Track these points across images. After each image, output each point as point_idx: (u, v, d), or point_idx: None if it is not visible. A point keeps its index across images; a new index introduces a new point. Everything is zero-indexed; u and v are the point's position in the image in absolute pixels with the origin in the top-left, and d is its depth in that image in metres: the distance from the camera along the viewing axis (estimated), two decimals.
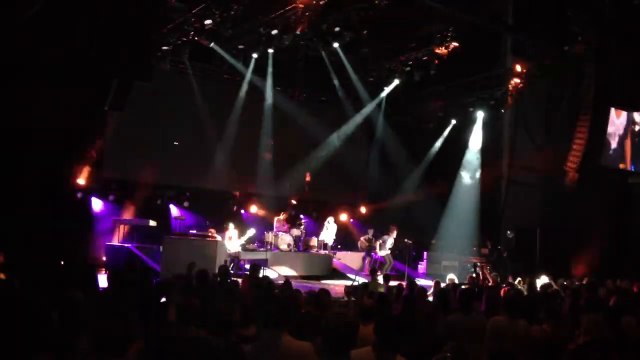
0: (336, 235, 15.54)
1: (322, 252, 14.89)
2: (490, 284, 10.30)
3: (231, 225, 12.61)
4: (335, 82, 15.77)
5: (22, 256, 8.15)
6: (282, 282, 7.56)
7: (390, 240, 14.49)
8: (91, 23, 9.87)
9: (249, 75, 14.80)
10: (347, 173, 17.69)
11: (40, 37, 9.26)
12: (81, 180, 12.38)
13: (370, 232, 15.19)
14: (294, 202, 15.98)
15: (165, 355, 2.49)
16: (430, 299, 8.05)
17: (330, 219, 15.37)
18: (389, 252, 14.41)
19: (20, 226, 9.38)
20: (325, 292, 5.88)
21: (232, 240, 12.38)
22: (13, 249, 8.46)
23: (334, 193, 17.56)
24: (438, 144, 17.58)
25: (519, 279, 10.83)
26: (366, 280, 9.86)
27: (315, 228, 15.88)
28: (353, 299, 7.25)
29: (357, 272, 13.97)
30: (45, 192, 9.97)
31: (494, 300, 6.06)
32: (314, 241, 15.13)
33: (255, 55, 14.23)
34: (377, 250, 14.37)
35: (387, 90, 16.76)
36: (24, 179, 9.63)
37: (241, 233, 12.86)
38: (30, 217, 9.57)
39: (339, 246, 15.80)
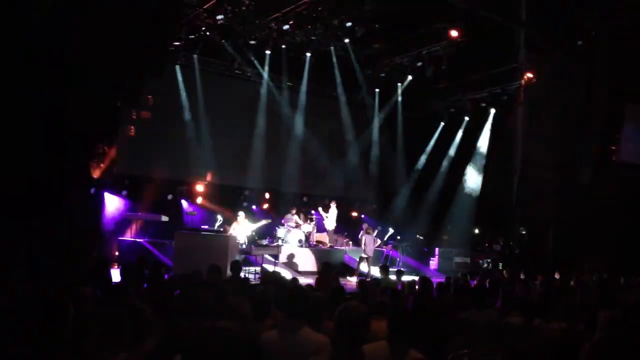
0: (348, 232, 15.48)
1: (335, 247, 14.89)
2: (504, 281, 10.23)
3: (242, 215, 12.60)
4: (338, 79, 15.68)
5: (34, 251, 8.20)
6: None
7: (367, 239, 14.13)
8: (103, 21, 9.90)
9: (265, 73, 14.77)
10: (357, 170, 17.63)
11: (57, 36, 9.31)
12: (94, 175, 12.43)
13: (365, 226, 15.13)
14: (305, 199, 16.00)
15: (183, 346, 2.50)
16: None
17: (332, 205, 15.42)
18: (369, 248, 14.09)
19: (33, 220, 9.43)
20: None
21: (242, 227, 12.33)
22: (25, 243, 8.53)
23: (345, 189, 17.48)
24: (453, 147, 17.46)
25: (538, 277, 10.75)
26: (379, 277, 9.82)
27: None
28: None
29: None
30: (58, 186, 10.01)
31: (509, 296, 6.02)
32: (325, 237, 15.12)
33: (268, 52, 14.22)
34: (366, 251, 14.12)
35: (401, 86, 16.67)
36: (37, 174, 9.67)
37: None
38: (43, 211, 9.61)
39: (350, 242, 15.77)
